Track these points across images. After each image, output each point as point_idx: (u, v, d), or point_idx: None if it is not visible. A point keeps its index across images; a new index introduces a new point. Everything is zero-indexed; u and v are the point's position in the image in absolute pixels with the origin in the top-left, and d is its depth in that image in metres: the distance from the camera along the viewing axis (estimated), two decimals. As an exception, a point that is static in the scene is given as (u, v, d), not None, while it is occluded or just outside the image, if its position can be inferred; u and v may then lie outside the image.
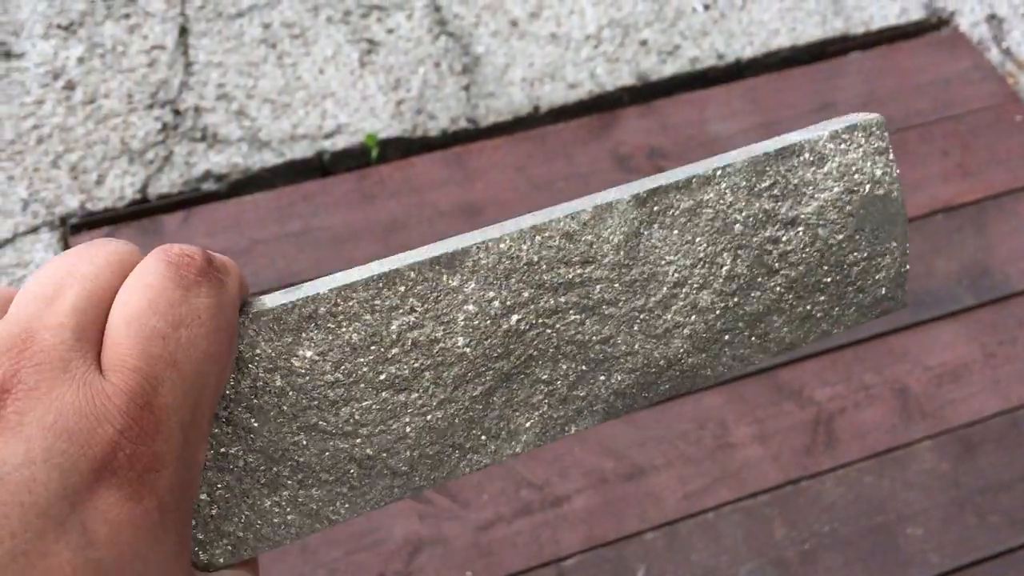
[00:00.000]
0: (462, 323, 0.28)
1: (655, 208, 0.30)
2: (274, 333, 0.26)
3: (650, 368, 0.31)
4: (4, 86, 1.46)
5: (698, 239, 0.31)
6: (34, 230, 1.34)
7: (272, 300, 0.27)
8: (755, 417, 1.24)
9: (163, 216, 1.36)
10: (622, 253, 0.30)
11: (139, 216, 1.37)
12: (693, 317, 0.31)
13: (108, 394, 0.20)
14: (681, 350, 0.31)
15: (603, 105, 1.52)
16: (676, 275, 0.31)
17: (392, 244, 1.36)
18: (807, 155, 0.32)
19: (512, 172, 1.43)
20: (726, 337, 0.32)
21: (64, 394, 0.20)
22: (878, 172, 0.32)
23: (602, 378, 0.30)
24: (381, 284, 0.28)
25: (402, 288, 0.28)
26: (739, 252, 0.31)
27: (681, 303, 0.31)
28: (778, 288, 0.32)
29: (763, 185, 0.31)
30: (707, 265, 0.31)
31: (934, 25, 1.64)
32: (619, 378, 0.31)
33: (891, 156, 0.33)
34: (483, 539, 1.15)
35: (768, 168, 0.31)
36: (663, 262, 0.30)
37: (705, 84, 1.56)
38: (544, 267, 0.29)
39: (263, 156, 1.43)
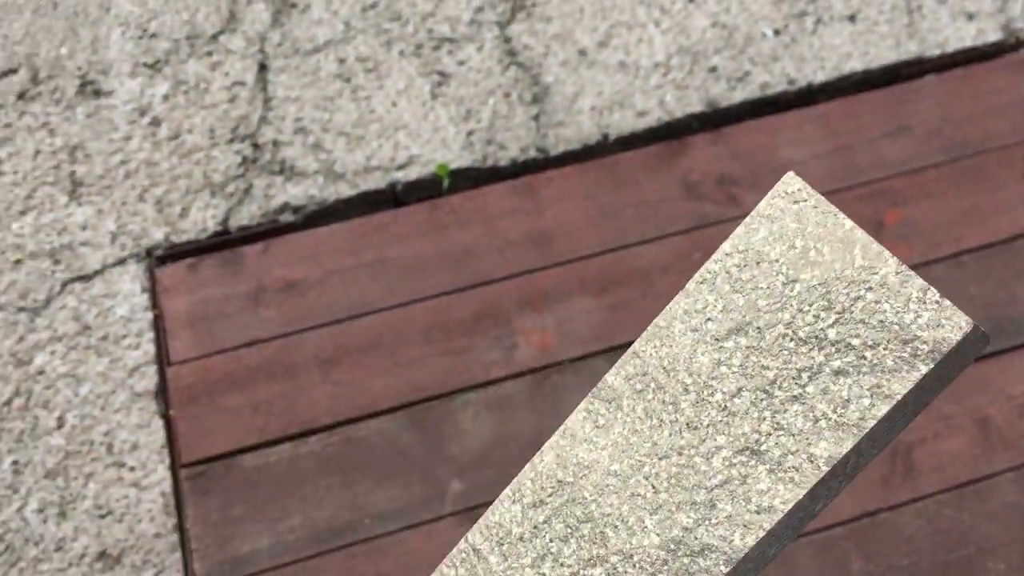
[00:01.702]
0: None
1: None
2: None
3: None
4: (94, 123, 1.53)
5: None
6: (121, 262, 1.40)
7: None
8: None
9: (243, 247, 1.41)
10: None
11: (220, 248, 1.41)
12: None
13: None
14: None
15: (672, 133, 1.53)
16: None
17: (463, 273, 1.38)
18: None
19: (581, 200, 1.45)
20: None
21: None
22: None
23: None
24: None
25: None
26: None
27: None
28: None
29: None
30: None
31: (1012, 46, 1.60)
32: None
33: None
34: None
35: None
36: None
37: (776, 110, 1.55)
38: None
39: (338, 188, 1.47)
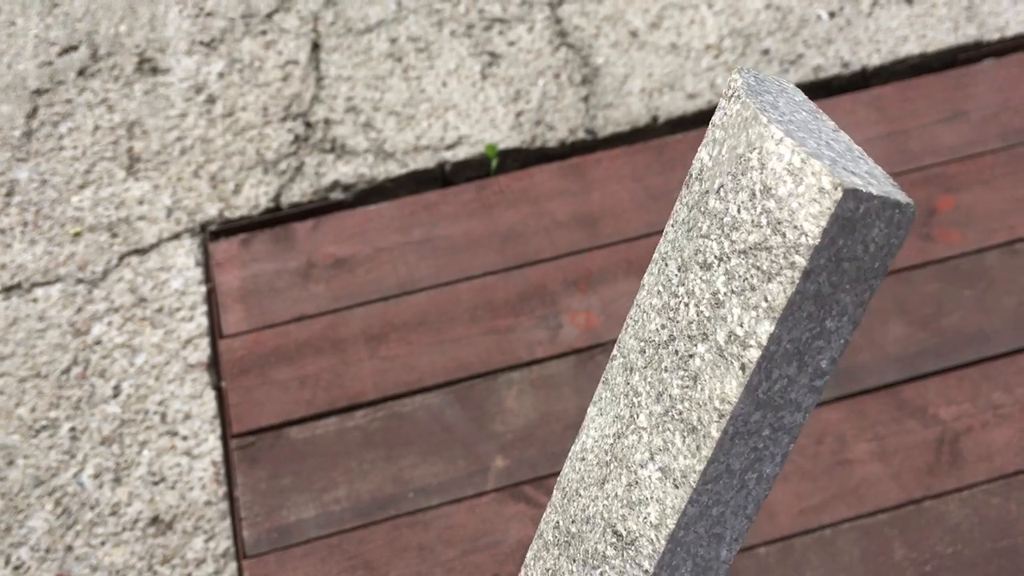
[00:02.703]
0: None
1: None
2: None
3: None
4: (151, 100, 1.56)
5: None
6: (176, 236, 1.43)
7: None
8: (875, 434, 1.22)
9: (294, 224, 1.43)
10: None
11: (272, 224, 1.44)
12: None
13: None
14: None
15: (722, 115, 1.52)
16: None
17: (509, 253, 1.39)
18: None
19: (630, 183, 1.45)
20: None
21: None
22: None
23: None
24: None
25: None
26: None
27: None
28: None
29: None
30: None
31: (1076, 30, 1.56)
32: None
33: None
34: (595, 546, 1.16)
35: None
36: None
37: (829, 93, 1.54)
38: None
39: (388, 167, 1.48)
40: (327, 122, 1.53)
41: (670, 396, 0.46)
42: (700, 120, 1.52)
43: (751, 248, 0.41)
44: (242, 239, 1.42)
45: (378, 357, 1.31)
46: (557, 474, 1.20)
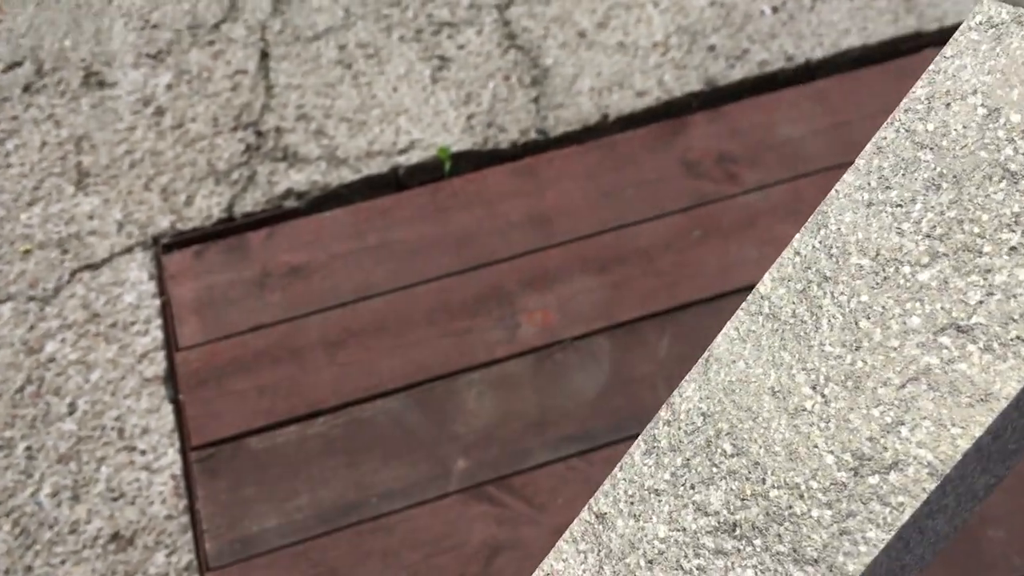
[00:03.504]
0: None
1: None
2: None
3: None
4: (98, 114, 1.55)
5: None
6: (128, 250, 1.42)
7: None
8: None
9: (248, 233, 1.42)
10: None
11: (225, 234, 1.43)
12: None
13: None
14: None
15: (671, 112, 1.53)
16: None
17: (465, 255, 1.39)
18: None
19: (582, 181, 1.46)
20: None
21: None
22: None
23: None
24: None
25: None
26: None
27: None
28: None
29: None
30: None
31: (1011, 18, 1.60)
32: None
33: None
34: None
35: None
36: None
37: (774, 87, 1.56)
38: None
39: (341, 173, 1.48)
40: (278, 130, 1.53)
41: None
42: (649, 117, 1.53)
43: None
44: (195, 250, 1.41)
45: (337, 364, 1.31)
46: (520, 473, 1.21)
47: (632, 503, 0.40)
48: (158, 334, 1.34)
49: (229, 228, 1.44)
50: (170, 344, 1.34)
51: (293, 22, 1.64)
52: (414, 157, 1.50)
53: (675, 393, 0.42)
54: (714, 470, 0.38)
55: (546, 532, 1.18)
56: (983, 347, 0.33)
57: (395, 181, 1.49)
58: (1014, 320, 0.33)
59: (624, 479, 0.41)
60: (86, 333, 1.35)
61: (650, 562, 0.38)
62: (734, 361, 0.39)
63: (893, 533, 0.32)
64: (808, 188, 1.43)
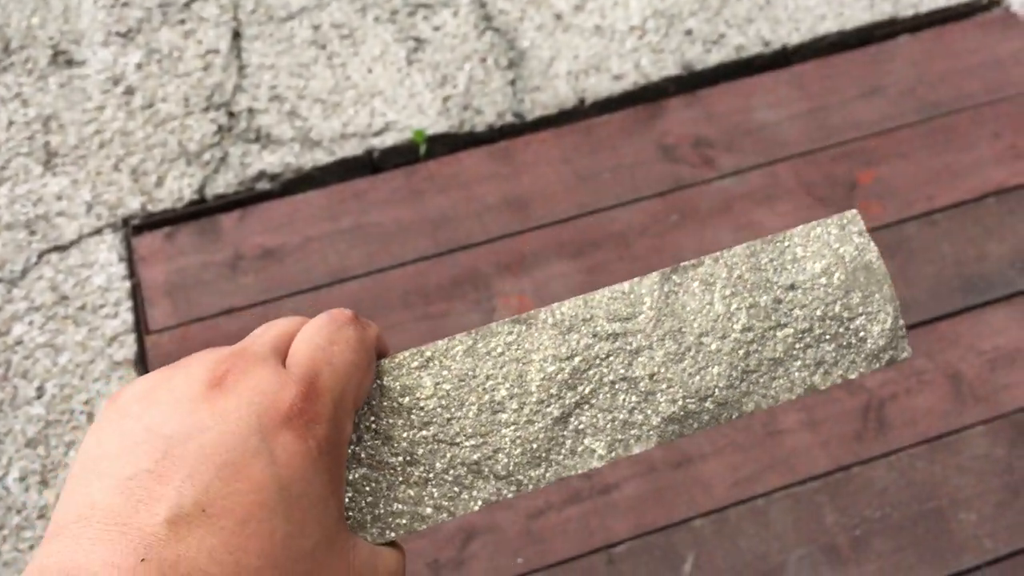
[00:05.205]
0: (537, 363, 0.38)
1: (676, 280, 0.39)
2: (404, 370, 0.37)
3: (690, 400, 0.39)
4: (67, 93, 1.52)
5: (715, 301, 0.39)
6: (98, 231, 1.39)
7: (403, 353, 0.38)
8: (804, 404, 1.24)
9: (220, 215, 1.41)
10: (655, 311, 0.39)
11: (197, 216, 1.41)
12: (720, 359, 0.39)
13: (289, 375, 0.32)
14: (714, 386, 0.39)
15: (648, 96, 1.53)
16: (699, 327, 0.39)
17: (441, 238, 1.38)
18: (796, 239, 0.40)
19: (559, 165, 1.45)
20: (752, 377, 0.39)
21: (262, 374, 0.31)
22: (854, 249, 0.40)
23: (652, 408, 0.38)
24: (477, 336, 0.38)
25: (492, 340, 0.38)
26: (750, 310, 0.39)
27: (707, 348, 0.39)
28: (789, 338, 0.39)
29: (762, 262, 0.39)
30: (725, 320, 0.39)
31: (984, 6, 1.61)
32: (666, 407, 0.38)
33: (866, 235, 0.40)
34: (534, 527, 1.17)
35: (763, 251, 0.39)
36: (688, 318, 0.39)
37: (751, 72, 1.56)
38: (596, 322, 0.38)
39: (315, 155, 1.46)
40: (251, 111, 1.51)
41: None
42: (626, 101, 1.53)
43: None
44: (166, 232, 1.39)
45: (310, 347, 1.30)
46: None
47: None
48: (128, 317, 1.32)
49: (201, 210, 1.42)
50: (140, 327, 1.32)
51: (266, 1, 1.61)
52: (389, 139, 1.48)
53: None
54: None
55: (521, 516, 1.17)
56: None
57: (370, 164, 1.48)
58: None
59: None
60: (54, 316, 1.33)
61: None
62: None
63: None
64: (785, 172, 1.43)
